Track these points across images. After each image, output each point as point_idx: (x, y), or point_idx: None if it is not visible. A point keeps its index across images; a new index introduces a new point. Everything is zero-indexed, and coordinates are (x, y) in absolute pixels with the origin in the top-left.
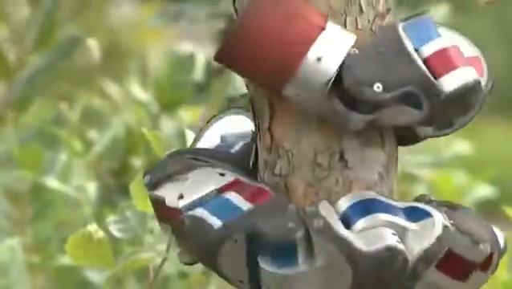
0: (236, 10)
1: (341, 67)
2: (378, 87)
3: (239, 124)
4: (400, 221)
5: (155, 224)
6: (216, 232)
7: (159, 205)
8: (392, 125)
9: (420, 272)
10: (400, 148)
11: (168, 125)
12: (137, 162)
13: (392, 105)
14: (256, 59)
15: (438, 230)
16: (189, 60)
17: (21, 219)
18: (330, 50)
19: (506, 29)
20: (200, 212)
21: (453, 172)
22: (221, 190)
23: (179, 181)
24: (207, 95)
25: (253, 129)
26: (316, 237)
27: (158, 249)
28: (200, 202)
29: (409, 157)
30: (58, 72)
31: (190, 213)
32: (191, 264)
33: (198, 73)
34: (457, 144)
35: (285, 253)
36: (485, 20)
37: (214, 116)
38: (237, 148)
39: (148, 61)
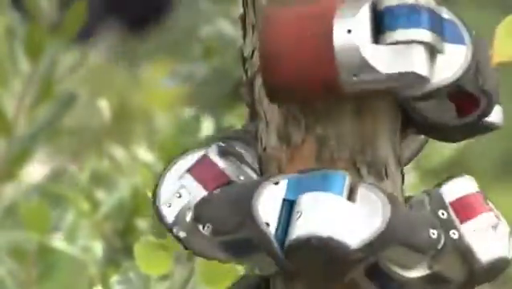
0: (246, 72)
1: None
2: None
3: None
4: None
5: (158, 286)
6: (254, 180)
7: (208, 167)
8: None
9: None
10: None
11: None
12: (142, 224)
13: None
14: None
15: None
16: (195, 121)
17: (27, 279)
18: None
19: None
20: None
21: None
22: None
23: (238, 165)
24: None
25: None
26: (362, 184)
27: None
28: None
29: None
30: (61, 129)
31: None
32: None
33: (204, 134)
34: None
35: (332, 180)
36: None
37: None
38: None
39: (156, 122)
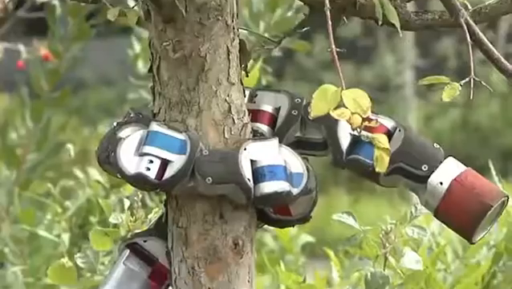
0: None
1: None
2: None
3: None
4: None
5: (104, 259)
6: (235, 149)
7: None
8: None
9: None
10: None
11: (114, 197)
12: (94, 220)
13: None
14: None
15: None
16: None
17: (21, 255)
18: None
19: None
20: None
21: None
22: None
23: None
24: None
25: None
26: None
27: (105, 274)
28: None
29: None
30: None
31: None
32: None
33: None
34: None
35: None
36: None
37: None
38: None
39: None
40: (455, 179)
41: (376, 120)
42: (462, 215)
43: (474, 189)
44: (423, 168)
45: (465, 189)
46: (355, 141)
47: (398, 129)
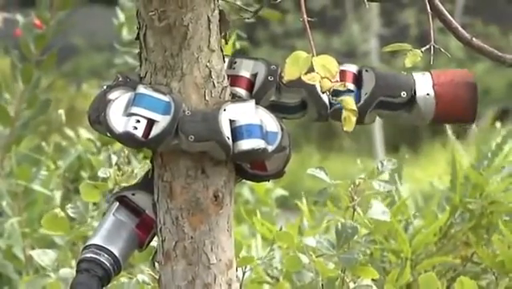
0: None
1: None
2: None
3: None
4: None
5: (94, 212)
6: (215, 108)
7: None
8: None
9: None
10: None
11: (105, 154)
12: (84, 174)
13: None
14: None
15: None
16: None
17: (18, 208)
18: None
19: None
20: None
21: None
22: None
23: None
24: None
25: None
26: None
27: (94, 225)
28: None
29: None
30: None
31: None
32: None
33: None
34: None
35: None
36: None
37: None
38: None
39: None
40: (434, 84)
41: (344, 84)
42: (460, 107)
43: (452, 81)
44: (402, 94)
45: (447, 85)
46: (333, 95)
47: (365, 70)
